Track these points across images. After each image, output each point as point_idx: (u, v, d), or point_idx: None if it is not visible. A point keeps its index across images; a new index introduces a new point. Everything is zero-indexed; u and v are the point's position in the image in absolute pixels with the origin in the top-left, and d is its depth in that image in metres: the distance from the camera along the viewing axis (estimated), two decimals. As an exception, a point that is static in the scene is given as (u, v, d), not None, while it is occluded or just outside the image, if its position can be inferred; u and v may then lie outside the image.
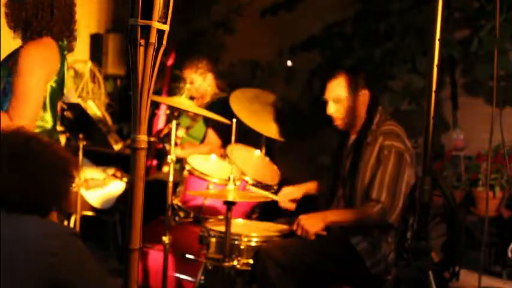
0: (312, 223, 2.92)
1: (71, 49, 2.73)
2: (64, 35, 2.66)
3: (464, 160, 4.43)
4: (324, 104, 3.15)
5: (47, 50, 2.59)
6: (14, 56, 2.60)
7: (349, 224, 2.98)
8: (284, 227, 3.18)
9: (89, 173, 4.74)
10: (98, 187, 4.70)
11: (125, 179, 4.74)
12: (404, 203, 2.82)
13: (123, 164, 4.82)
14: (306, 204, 3.34)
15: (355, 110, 3.08)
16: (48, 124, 2.67)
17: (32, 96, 2.52)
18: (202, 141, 4.38)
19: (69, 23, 2.68)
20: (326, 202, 3.23)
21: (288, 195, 3.38)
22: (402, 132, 3.02)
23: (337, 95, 3.08)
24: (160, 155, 4.63)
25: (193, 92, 4.37)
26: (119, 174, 4.77)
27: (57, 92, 2.69)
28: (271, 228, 3.20)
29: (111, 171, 4.80)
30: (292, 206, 3.39)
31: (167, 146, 4.09)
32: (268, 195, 3.41)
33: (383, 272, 2.94)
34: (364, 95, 3.07)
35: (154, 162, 4.83)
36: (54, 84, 2.65)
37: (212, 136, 4.30)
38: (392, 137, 2.97)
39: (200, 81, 4.40)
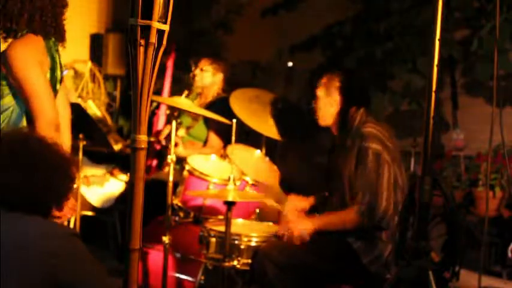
0: (297, 226, 2.95)
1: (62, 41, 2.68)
2: (50, 33, 2.62)
3: (464, 160, 4.44)
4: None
5: (33, 44, 2.54)
6: (1, 59, 2.56)
7: (333, 228, 2.98)
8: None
9: (89, 171, 4.73)
10: (98, 184, 4.69)
11: (124, 178, 4.73)
12: (400, 203, 2.83)
13: (123, 163, 4.82)
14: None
15: (326, 112, 3.16)
16: None
17: (41, 91, 2.48)
18: (204, 142, 4.37)
19: (54, 21, 2.61)
20: (320, 204, 3.26)
21: (295, 206, 3.32)
22: (382, 132, 3.03)
23: (317, 93, 3.19)
24: (161, 155, 4.63)
25: (199, 82, 4.32)
26: (116, 172, 4.76)
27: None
28: (269, 229, 3.20)
29: (109, 168, 4.80)
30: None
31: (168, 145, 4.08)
32: (277, 206, 3.39)
33: (382, 270, 2.95)
34: (335, 101, 3.13)
35: (154, 162, 4.82)
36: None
37: (214, 139, 4.28)
38: (370, 139, 2.98)
39: (210, 74, 4.35)
